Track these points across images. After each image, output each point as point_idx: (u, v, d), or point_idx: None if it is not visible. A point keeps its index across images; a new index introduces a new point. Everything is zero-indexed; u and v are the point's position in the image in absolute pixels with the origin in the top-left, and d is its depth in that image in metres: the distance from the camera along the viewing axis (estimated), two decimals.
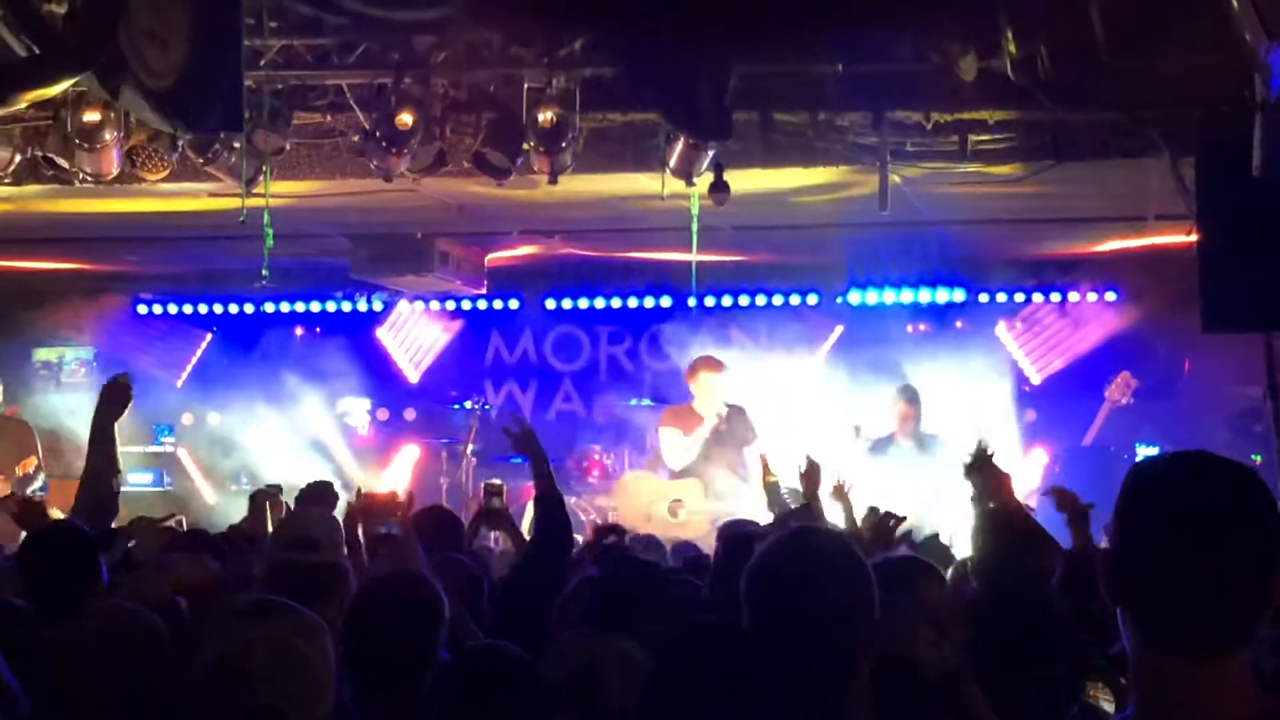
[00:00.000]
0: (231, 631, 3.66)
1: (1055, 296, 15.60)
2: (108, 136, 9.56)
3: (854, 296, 15.82)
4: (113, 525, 6.97)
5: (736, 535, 6.52)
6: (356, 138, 10.34)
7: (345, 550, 5.78)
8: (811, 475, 8.24)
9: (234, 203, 10.27)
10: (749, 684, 3.30)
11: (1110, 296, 15.35)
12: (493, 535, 13.10)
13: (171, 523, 7.70)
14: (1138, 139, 9.80)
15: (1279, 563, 2.50)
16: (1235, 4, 6.64)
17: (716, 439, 12.51)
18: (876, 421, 12.88)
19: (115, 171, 9.83)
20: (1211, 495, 2.52)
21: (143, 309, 17.34)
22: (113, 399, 7.29)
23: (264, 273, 9.90)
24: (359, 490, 7.24)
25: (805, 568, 3.63)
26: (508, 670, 4.27)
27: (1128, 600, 2.55)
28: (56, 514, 7.59)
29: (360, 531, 6.26)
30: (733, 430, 12.53)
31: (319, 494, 7.97)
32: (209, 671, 3.61)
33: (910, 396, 12.94)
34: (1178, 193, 9.79)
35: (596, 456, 15.16)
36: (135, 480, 15.42)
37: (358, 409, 16.68)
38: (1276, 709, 2.51)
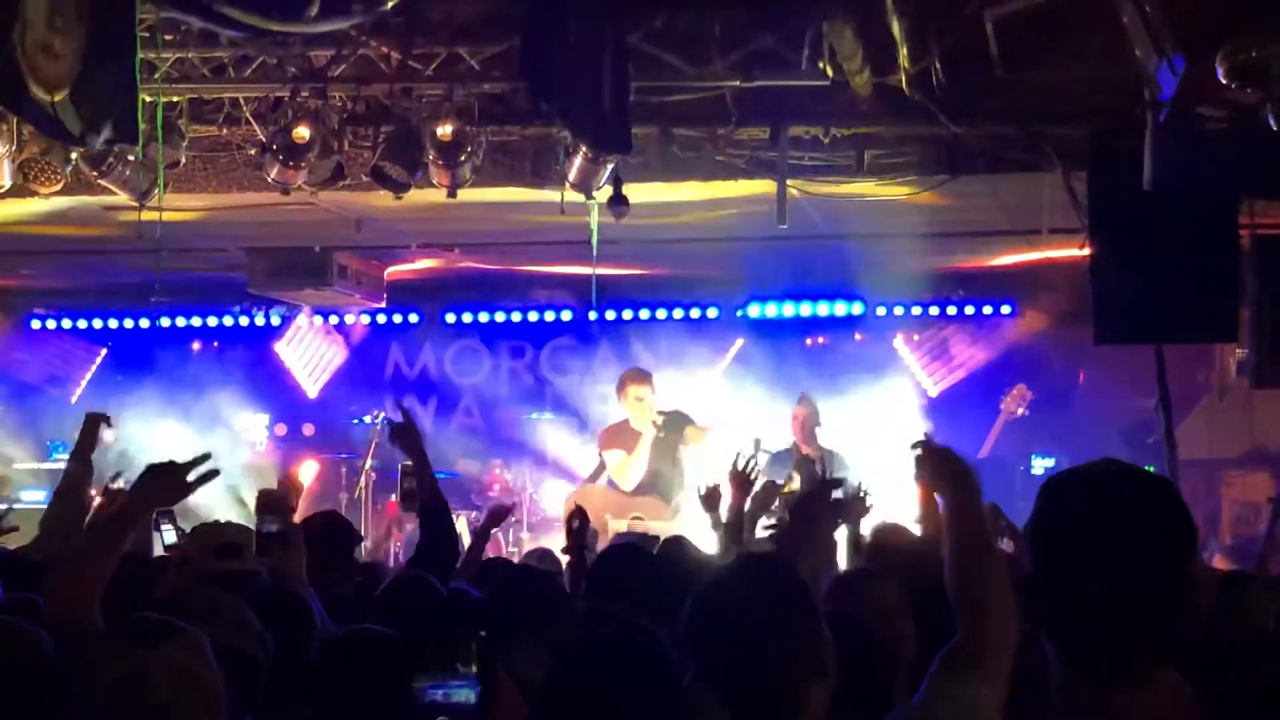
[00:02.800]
0: (126, 655, 3.61)
1: (952, 309, 15.74)
2: (0, 149, 9.44)
3: (753, 310, 15.89)
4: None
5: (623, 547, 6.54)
6: (253, 151, 10.27)
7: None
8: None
9: (129, 216, 10.16)
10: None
11: (1005, 309, 15.52)
12: (394, 548, 13.11)
13: None
14: (1031, 153, 9.92)
15: (1193, 580, 2.48)
16: (1126, 20, 6.73)
17: (658, 449, 12.53)
18: (777, 435, 12.94)
19: (7, 184, 9.69)
20: (1127, 516, 2.47)
21: (36, 324, 17.12)
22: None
23: (156, 287, 9.81)
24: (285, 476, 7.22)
25: (738, 603, 3.60)
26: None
27: (1048, 626, 2.51)
28: None
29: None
30: (669, 436, 12.55)
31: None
32: (104, 696, 3.55)
33: (809, 405, 13.06)
34: (1070, 206, 9.92)
35: (497, 471, 15.15)
36: (29, 498, 15.22)
37: (256, 424, 16.55)
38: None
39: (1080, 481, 2.58)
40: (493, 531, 8.57)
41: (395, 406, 7.28)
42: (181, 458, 4.65)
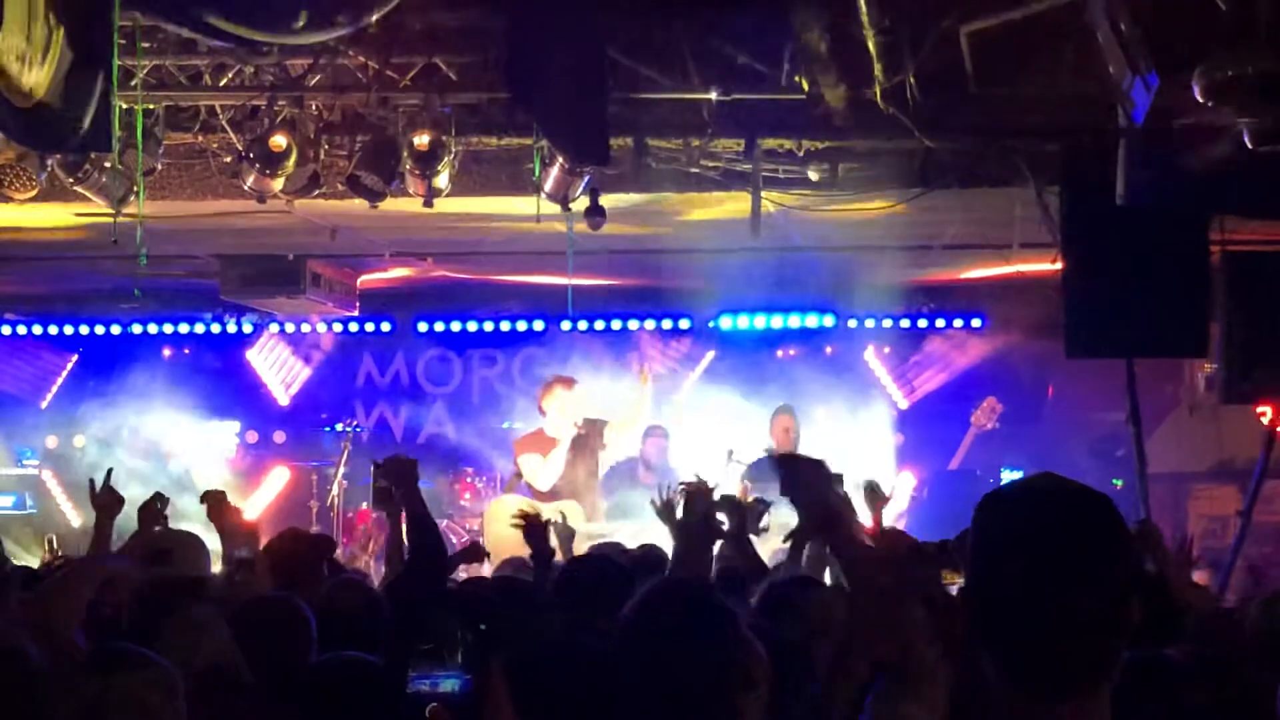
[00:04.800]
0: (84, 685, 3.61)
1: (923, 322, 15.82)
2: None
3: (725, 321, 15.94)
4: None
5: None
6: (229, 159, 10.27)
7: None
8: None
9: (103, 222, 10.15)
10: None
11: (976, 323, 15.59)
12: (369, 560, 13.08)
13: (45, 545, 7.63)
14: (1004, 167, 9.97)
15: (1132, 593, 2.47)
16: (1100, 37, 6.79)
17: (576, 454, 12.54)
18: (748, 446, 12.99)
19: None
20: (1063, 531, 2.46)
21: (6, 329, 17.07)
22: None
23: (136, 291, 9.80)
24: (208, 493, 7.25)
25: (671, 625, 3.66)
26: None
27: (987, 642, 2.49)
28: None
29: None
30: (588, 442, 12.57)
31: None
32: None
33: (790, 414, 13.14)
34: (1042, 220, 9.98)
35: (468, 479, 15.16)
36: None
37: (226, 431, 16.54)
38: None
39: (1017, 496, 2.59)
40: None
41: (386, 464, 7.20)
42: (150, 464, 4.70)
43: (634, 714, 3.41)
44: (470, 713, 3.51)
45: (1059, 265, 9.83)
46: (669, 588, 4.00)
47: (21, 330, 17.12)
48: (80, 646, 4.20)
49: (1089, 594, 2.42)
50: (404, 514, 6.75)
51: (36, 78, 7.29)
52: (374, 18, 7.83)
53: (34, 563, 9.69)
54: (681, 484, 7.32)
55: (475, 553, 8.70)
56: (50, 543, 8.29)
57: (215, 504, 7.16)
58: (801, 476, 4.39)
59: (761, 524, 9.06)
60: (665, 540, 8.56)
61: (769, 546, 8.62)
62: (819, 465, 4.51)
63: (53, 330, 17.09)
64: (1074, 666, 2.43)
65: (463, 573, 8.18)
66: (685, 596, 3.80)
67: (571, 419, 12.54)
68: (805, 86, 9.28)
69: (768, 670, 3.61)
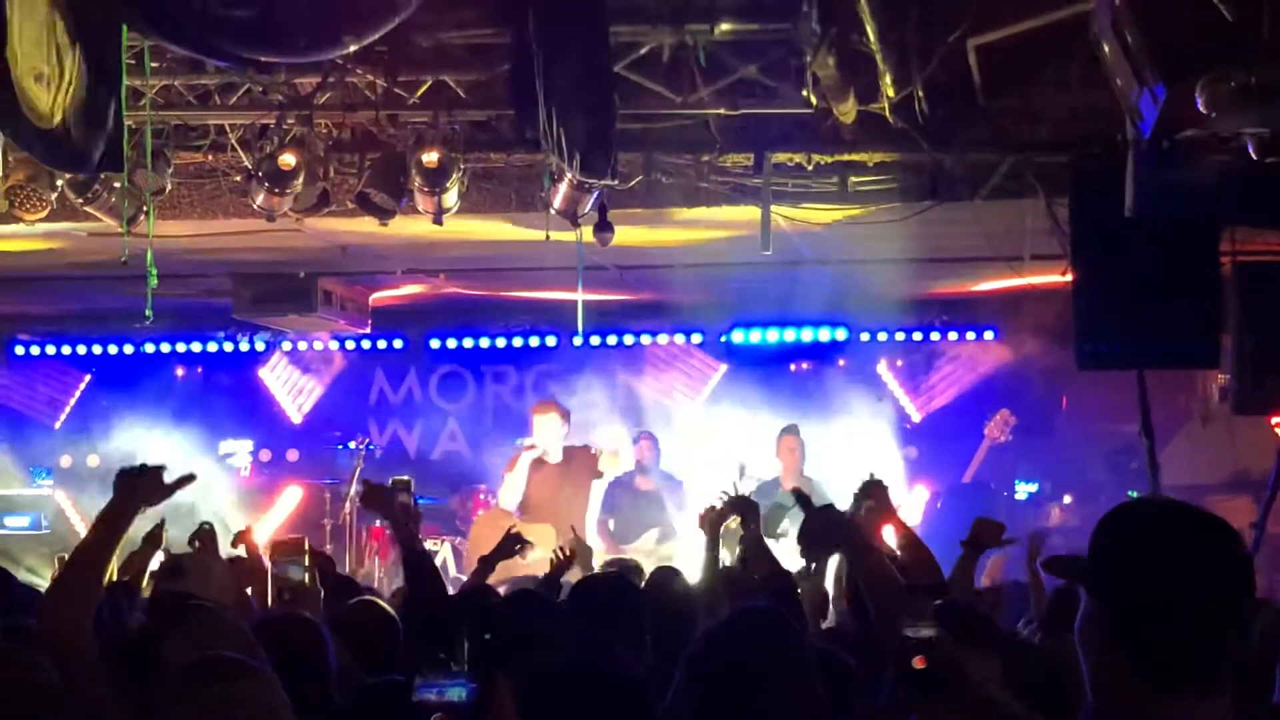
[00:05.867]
0: (209, 689, 3.66)
1: (935, 335, 15.80)
2: None
3: (737, 336, 15.94)
4: None
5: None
6: (239, 178, 10.29)
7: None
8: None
9: (114, 243, 10.16)
10: None
11: (989, 335, 15.58)
12: (378, 575, 13.09)
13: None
14: (1013, 180, 9.96)
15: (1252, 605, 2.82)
16: (1107, 48, 6.78)
17: (562, 479, 12.51)
18: (761, 461, 12.98)
19: None
20: (1212, 547, 2.80)
21: (20, 350, 17.12)
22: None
23: (148, 313, 9.80)
24: (241, 533, 7.24)
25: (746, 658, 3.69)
26: None
27: (1131, 648, 2.75)
28: None
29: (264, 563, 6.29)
30: (570, 470, 12.54)
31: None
32: None
33: (795, 436, 13.09)
34: (1052, 232, 9.96)
35: (482, 496, 15.14)
36: (12, 524, 15.26)
37: (240, 450, 16.55)
38: None
39: (1158, 513, 2.90)
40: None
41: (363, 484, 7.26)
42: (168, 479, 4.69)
43: None
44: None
45: (1069, 277, 9.81)
46: (748, 617, 4.01)
47: (35, 350, 17.17)
48: (93, 650, 4.20)
49: (1230, 603, 2.76)
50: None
51: (56, 98, 7.33)
52: (379, 35, 7.82)
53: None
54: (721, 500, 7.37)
55: (512, 544, 8.46)
56: (62, 562, 8.27)
57: (205, 539, 7.12)
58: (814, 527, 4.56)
59: (779, 529, 9.04)
60: (678, 558, 8.58)
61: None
62: (830, 514, 4.70)
63: (66, 350, 17.13)
64: (1213, 668, 2.75)
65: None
66: (765, 628, 3.79)
67: (545, 442, 12.52)
68: (813, 101, 9.28)
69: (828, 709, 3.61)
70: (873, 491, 6.47)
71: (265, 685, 3.73)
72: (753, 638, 3.79)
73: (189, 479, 4.70)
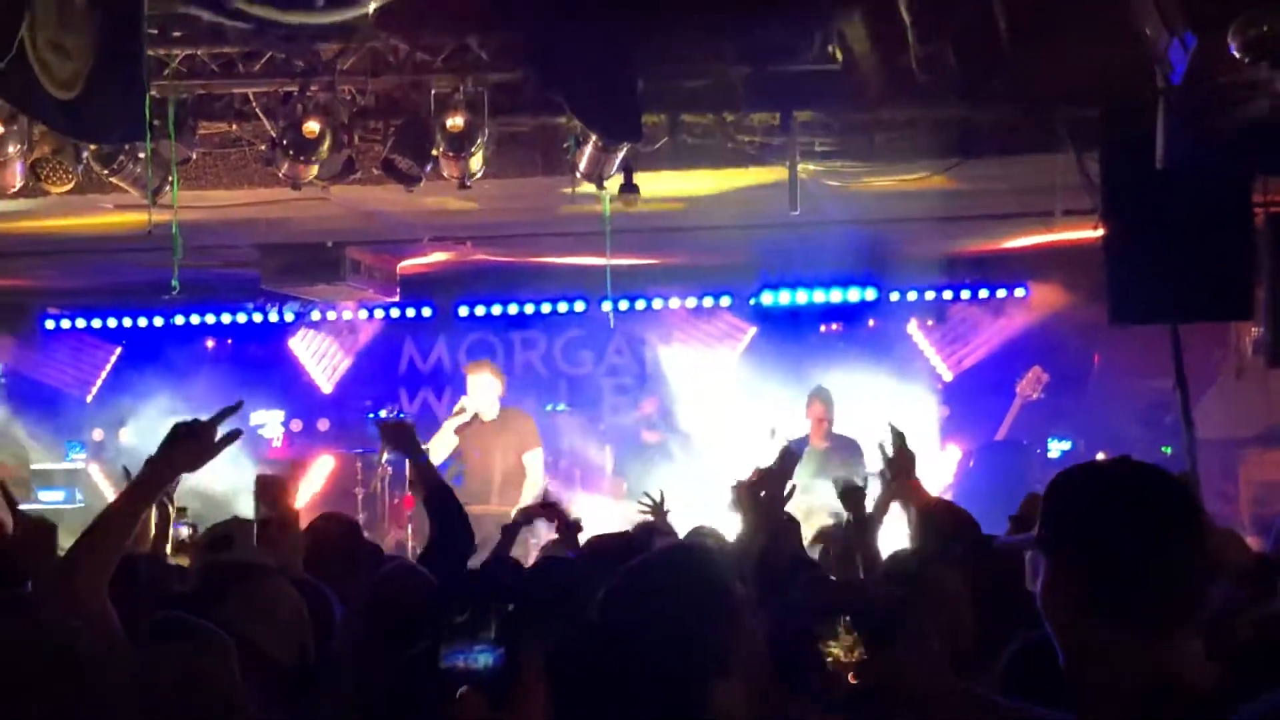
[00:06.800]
0: (139, 653, 3.59)
1: (966, 293, 15.74)
2: (11, 149, 9.42)
3: (766, 298, 15.88)
4: None
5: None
6: (263, 146, 10.26)
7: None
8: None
9: (140, 215, 10.15)
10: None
11: (1020, 292, 15.51)
12: (410, 545, 13.08)
13: None
14: (1043, 134, 9.88)
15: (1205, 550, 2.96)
16: None
17: (491, 439, 12.54)
18: (792, 423, 12.93)
19: (19, 184, 9.70)
20: (1163, 496, 2.94)
21: (50, 324, 17.16)
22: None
23: (174, 284, 9.79)
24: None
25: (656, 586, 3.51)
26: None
27: (1104, 605, 2.87)
28: None
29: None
30: (505, 431, 12.59)
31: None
32: (118, 693, 3.50)
33: (824, 397, 13.04)
34: (1083, 187, 9.88)
35: None
36: (46, 498, 15.28)
37: (271, 420, 16.58)
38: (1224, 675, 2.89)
39: (1111, 473, 3.03)
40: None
41: (390, 414, 7.28)
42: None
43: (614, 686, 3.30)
44: (501, 691, 3.46)
45: (1101, 231, 9.73)
46: (667, 555, 3.82)
47: (65, 324, 17.21)
48: (113, 615, 4.11)
49: (1190, 551, 2.88)
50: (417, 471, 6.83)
51: (74, 68, 7.31)
52: None
53: None
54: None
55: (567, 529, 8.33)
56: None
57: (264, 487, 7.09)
58: None
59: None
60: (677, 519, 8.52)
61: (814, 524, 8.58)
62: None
63: (96, 324, 17.17)
64: (1184, 612, 2.89)
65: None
66: (679, 566, 3.59)
67: (477, 401, 12.64)
68: (839, 57, 9.21)
69: (755, 660, 3.45)
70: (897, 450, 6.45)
71: (205, 650, 3.65)
72: (662, 575, 3.56)
73: (235, 435, 4.49)
